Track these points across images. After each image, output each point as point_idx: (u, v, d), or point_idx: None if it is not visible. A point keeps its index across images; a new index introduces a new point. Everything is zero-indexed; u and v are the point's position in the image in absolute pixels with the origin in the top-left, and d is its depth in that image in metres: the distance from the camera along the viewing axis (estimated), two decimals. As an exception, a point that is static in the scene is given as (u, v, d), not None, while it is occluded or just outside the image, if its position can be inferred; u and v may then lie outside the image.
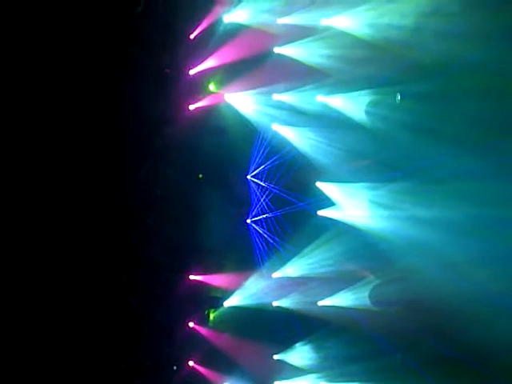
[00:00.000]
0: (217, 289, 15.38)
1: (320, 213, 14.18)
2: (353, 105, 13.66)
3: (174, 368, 14.95)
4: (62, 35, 14.34)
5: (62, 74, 14.43)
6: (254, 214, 15.41)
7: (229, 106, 15.08)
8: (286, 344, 14.73)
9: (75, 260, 14.30)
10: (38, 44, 14.19)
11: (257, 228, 15.34)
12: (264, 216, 15.25)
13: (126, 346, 14.61)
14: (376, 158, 13.34)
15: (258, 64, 14.53)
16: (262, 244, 15.30)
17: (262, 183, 15.27)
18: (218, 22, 15.06)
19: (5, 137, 14.03)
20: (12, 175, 14.09)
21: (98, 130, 14.69)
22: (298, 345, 14.68)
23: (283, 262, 14.71)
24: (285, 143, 14.62)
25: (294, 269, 14.62)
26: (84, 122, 14.59)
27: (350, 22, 13.33)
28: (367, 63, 13.15)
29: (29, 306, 13.89)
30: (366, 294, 13.82)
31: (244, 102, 14.97)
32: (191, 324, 15.23)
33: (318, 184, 14.26)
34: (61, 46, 14.37)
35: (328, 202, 14.10)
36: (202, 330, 15.19)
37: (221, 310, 15.30)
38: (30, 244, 13.99)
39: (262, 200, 15.25)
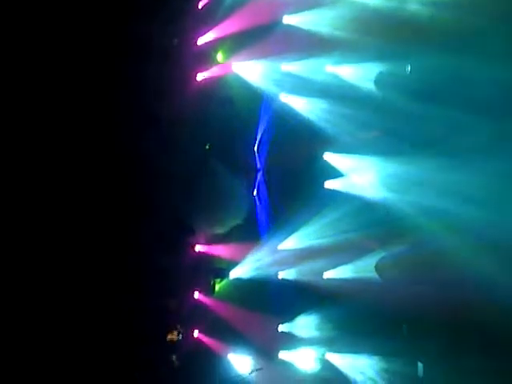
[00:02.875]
0: (222, 259, 15.36)
1: (327, 184, 14.16)
2: (362, 75, 13.61)
3: (180, 337, 14.94)
4: (65, 7, 14.21)
5: (67, 46, 14.30)
6: (260, 184, 15.36)
7: (236, 76, 14.97)
8: (291, 315, 14.75)
9: (79, 238, 14.25)
10: (41, 17, 14.06)
11: (263, 199, 15.31)
12: (270, 186, 15.22)
13: (131, 316, 14.60)
14: (385, 128, 13.29)
15: (266, 33, 14.42)
16: (268, 215, 15.28)
17: (268, 157, 15.25)
18: (227, -10, 14.92)
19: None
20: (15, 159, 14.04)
21: (103, 102, 14.57)
22: (302, 316, 14.71)
23: (289, 233, 14.69)
24: (293, 113, 14.55)
25: (299, 240, 14.63)
26: (89, 95, 14.46)
27: (360, -10, 13.26)
28: (377, 33, 13.06)
29: (35, 292, 13.88)
30: (373, 265, 13.84)
31: (252, 71, 14.87)
32: (196, 294, 15.22)
33: (326, 155, 14.23)
34: (65, 18, 14.22)
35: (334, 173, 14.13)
36: (208, 301, 15.19)
37: (226, 280, 15.30)
38: (31, 227, 13.93)
39: (268, 170, 15.21)
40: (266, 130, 15.14)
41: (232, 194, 15.16)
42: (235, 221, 15.20)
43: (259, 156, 15.32)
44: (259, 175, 15.40)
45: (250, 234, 15.27)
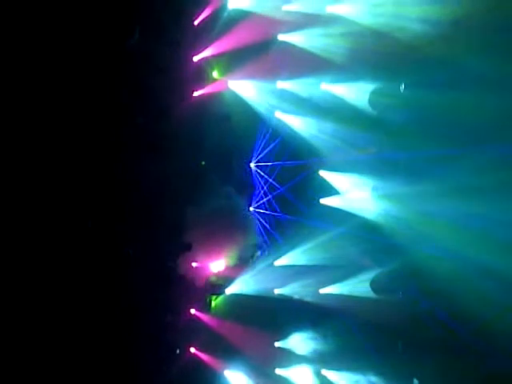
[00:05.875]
0: (219, 276, 15.39)
1: (323, 201, 14.22)
2: (357, 93, 13.64)
3: (177, 351, 14.96)
4: (65, 24, 14.23)
5: (66, 63, 14.29)
6: (256, 201, 15.41)
7: (232, 93, 15.04)
8: (288, 331, 14.78)
9: (76, 250, 14.23)
10: (41, 33, 14.09)
11: (259, 216, 15.35)
12: (266, 203, 15.26)
13: (129, 333, 14.61)
14: (379, 147, 13.34)
15: (262, 51, 14.50)
16: (264, 232, 15.32)
17: (263, 174, 15.31)
18: (223, 8, 14.98)
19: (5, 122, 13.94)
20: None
21: (100, 119, 14.59)
22: (299, 332, 14.73)
23: (285, 249, 14.74)
24: (288, 131, 14.62)
25: (296, 257, 14.67)
26: (86, 111, 14.47)
27: (355, 10, 13.28)
28: (372, 51, 13.12)
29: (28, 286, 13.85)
30: (368, 282, 13.88)
31: (247, 89, 14.94)
32: (193, 311, 15.24)
33: (321, 172, 14.29)
34: (64, 35, 14.24)
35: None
36: (204, 317, 15.22)
37: (222, 297, 15.33)
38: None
39: (264, 187, 15.26)
40: (262, 147, 15.20)
41: (228, 211, 15.20)
42: (232, 237, 15.24)
43: (255, 173, 15.38)
44: (255, 192, 15.45)
45: (247, 250, 15.31)
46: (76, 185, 14.29)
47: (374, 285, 13.81)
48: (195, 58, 15.24)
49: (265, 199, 15.35)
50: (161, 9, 15.08)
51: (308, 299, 14.49)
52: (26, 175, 13.84)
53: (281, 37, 14.41)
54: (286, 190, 14.99)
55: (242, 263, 15.23)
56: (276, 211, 15.21)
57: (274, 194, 15.24)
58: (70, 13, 14.08)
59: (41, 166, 13.99)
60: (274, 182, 15.21)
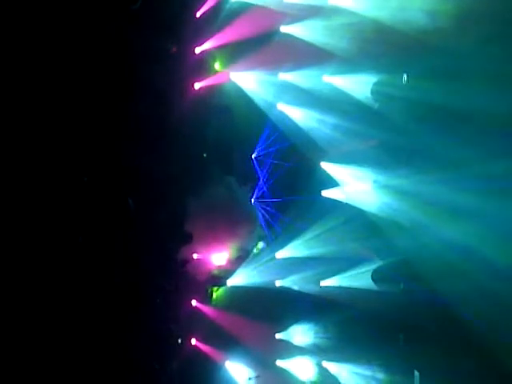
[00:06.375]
0: (220, 267, 15.40)
1: (324, 193, 14.23)
2: (359, 85, 13.66)
3: (179, 342, 14.98)
4: (66, 14, 14.19)
5: (67, 55, 14.25)
6: (258, 193, 15.42)
7: (234, 85, 15.03)
8: (289, 323, 14.81)
9: (77, 242, 14.21)
10: (45, 26, 14.07)
11: (261, 207, 15.36)
12: (268, 194, 15.28)
13: (130, 324, 14.62)
14: (382, 139, 13.35)
15: (263, 43, 14.49)
16: (265, 223, 15.34)
17: (265, 165, 15.32)
18: (225, -1, 14.99)
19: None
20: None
21: (101, 111, 14.55)
22: (300, 324, 14.76)
23: (287, 241, 14.75)
24: (290, 123, 14.62)
25: (297, 249, 14.69)
26: (89, 102, 14.44)
27: (357, 2, 13.29)
28: (374, 43, 13.13)
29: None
30: (369, 273, 13.90)
31: (249, 81, 14.93)
32: (194, 302, 15.26)
33: (323, 164, 14.30)
34: (66, 26, 14.20)
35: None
36: (205, 309, 15.23)
37: (224, 288, 15.34)
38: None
39: (266, 179, 15.27)
40: (264, 139, 15.20)
41: (230, 202, 15.21)
42: (233, 229, 15.24)
43: (257, 165, 15.39)
44: (257, 183, 15.45)
45: (249, 242, 15.32)
46: (77, 177, 14.29)
47: (375, 276, 13.85)
48: (197, 50, 15.21)
49: (266, 190, 15.36)
50: (163, 1, 15.05)
51: (309, 291, 14.52)
52: (25, 167, 13.85)
53: (283, 29, 14.41)
54: (287, 181, 15.00)
55: (244, 255, 15.24)
56: (277, 203, 15.22)
57: (276, 185, 15.24)
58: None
59: (42, 158, 14.00)
60: (275, 174, 15.22)
